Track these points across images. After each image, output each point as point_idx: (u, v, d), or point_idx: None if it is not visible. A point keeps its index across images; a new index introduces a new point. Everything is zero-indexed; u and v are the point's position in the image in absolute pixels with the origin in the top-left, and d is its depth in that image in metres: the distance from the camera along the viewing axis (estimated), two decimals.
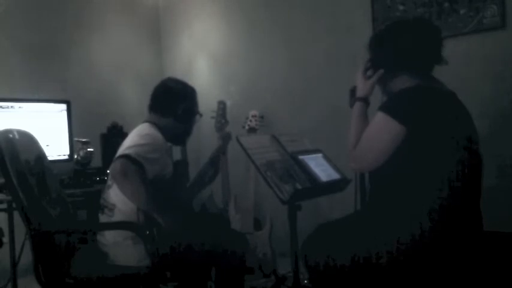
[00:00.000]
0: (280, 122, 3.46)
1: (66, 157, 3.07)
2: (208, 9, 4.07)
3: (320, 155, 2.30)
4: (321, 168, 2.16)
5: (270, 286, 2.89)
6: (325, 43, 3.39)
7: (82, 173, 2.89)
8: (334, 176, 2.19)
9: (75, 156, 2.97)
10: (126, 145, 2.00)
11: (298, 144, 2.28)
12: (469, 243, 1.64)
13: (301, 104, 3.50)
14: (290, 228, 2.08)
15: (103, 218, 2.08)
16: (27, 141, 2.02)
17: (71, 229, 2.03)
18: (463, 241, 1.63)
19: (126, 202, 1.97)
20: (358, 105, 1.86)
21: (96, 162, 3.05)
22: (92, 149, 2.99)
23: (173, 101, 2.22)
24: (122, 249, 1.97)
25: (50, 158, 2.22)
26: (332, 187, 2.22)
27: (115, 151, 2.03)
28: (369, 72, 1.86)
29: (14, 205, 2.37)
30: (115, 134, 3.11)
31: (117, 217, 2.02)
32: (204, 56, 4.13)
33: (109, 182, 2.11)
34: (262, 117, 3.35)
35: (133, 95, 3.93)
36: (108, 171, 2.07)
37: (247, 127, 3.28)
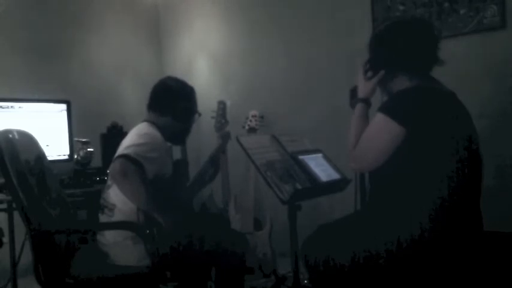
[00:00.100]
0: (280, 122, 3.46)
1: (66, 157, 3.07)
2: (208, 9, 4.07)
3: (320, 155, 2.30)
4: (321, 168, 2.16)
5: (270, 286, 2.89)
6: (325, 43, 3.39)
7: (82, 173, 2.89)
8: (334, 176, 2.19)
9: (75, 156, 2.97)
10: (125, 145, 2.00)
11: (298, 144, 2.28)
12: (469, 243, 1.64)
13: (301, 104, 3.50)
14: (290, 228, 2.08)
15: (103, 218, 2.08)
16: (27, 141, 2.02)
17: (71, 229, 2.03)
18: (463, 241, 1.63)
19: (126, 202, 1.97)
20: (359, 106, 1.86)
21: (96, 162, 3.05)
22: (92, 149, 2.99)
23: (172, 100, 2.22)
24: (122, 249, 1.97)
25: (50, 158, 2.22)
26: (332, 187, 2.22)
27: (115, 151, 2.02)
28: (369, 73, 1.86)
29: (14, 205, 2.37)
30: (115, 134, 3.10)
31: (117, 217, 2.02)
32: (204, 56, 4.13)
33: (109, 182, 2.11)
34: (262, 117, 3.35)
35: (133, 95, 3.93)
36: (108, 171, 2.07)
37: (247, 127, 3.28)
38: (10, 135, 1.90)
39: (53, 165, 2.17)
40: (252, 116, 3.29)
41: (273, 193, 1.94)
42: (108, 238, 2.01)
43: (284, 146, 2.18)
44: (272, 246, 3.02)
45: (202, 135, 3.35)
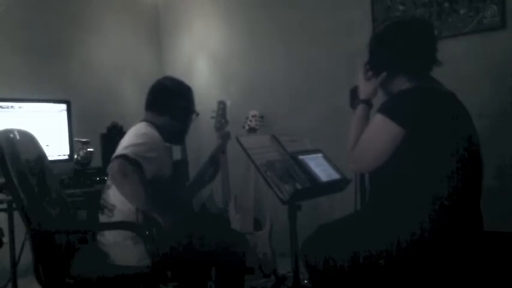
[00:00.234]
0: (280, 122, 3.46)
1: (66, 157, 3.07)
2: (208, 9, 4.07)
3: (320, 155, 2.30)
4: (321, 168, 2.16)
5: (270, 286, 2.89)
6: (325, 43, 3.39)
7: (82, 173, 2.89)
8: (334, 176, 2.19)
9: (75, 156, 2.97)
10: (124, 145, 2.00)
11: (298, 144, 2.28)
12: (469, 243, 1.64)
13: (301, 104, 3.50)
14: (290, 228, 2.08)
15: (103, 219, 2.08)
16: (28, 141, 2.02)
17: (71, 229, 2.03)
18: (463, 241, 1.63)
19: (126, 202, 1.97)
20: (360, 107, 1.86)
21: (96, 162, 3.05)
22: (92, 149, 2.99)
23: (169, 99, 2.22)
24: (122, 249, 1.97)
25: (50, 158, 2.22)
26: (332, 187, 2.22)
27: (115, 151, 2.02)
28: (369, 74, 1.85)
29: (14, 205, 2.37)
30: (115, 134, 3.10)
31: (117, 217, 2.02)
32: (204, 56, 4.13)
33: (108, 182, 2.11)
34: (262, 117, 3.35)
35: (133, 95, 3.93)
36: (107, 171, 2.07)
37: (247, 127, 3.28)
38: (11, 135, 1.90)
39: (53, 165, 2.17)
40: (252, 116, 3.29)
41: (273, 193, 1.94)
42: (108, 238, 2.01)
43: (284, 146, 2.18)
44: (272, 246, 3.02)
45: (202, 135, 3.35)
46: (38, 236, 1.81)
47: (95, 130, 3.18)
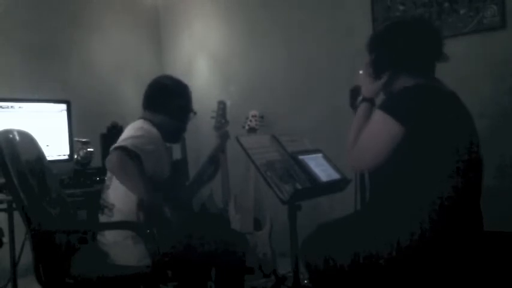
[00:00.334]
0: (280, 122, 3.46)
1: (66, 157, 3.07)
2: (208, 9, 4.07)
3: (320, 155, 2.30)
4: (321, 168, 2.16)
5: (270, 286, 2.89)
6: (325, 43, 3.39)
7: (82, 173, 2.89)
8: (334, 176, 2.19)
9: (75, 156, 2.97)
10: (122, 138, 2.00)
11: (298, 144, 2.28)
12: (469, 243, 1.64)
13: (301, 104, 3.50)
14: (290, 228, 2.09)
15: (103, 219, 2.08)
16: (28, 141, 2.02)
17: (71, 229, 2.03)
18: (463, 241, 1.63)
19: (125, 202, 1.98)
20: (363, 105, 1.85)
21: (96, 162, 3.05)
22: (92, 149, 2.99)
23: (166, 98, 2.22)
24: (122, 249, 1.97)
25: (50, 158, 2.22)
26: (332, 187, 2.22)
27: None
28: (375, 74, 1.84)
29: (14, 205, 2.37)
30: (115, 134, 3.08)
31: (116, 217, 2.02)
32: (204, 56, 4.13)
33: (107, 182, 2.11)
34: (262, 117, 3.35)
35: (133, 95, 3.92)
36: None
37: (247, 127, 3.28)
38: (10, 136, 1.90)
39: (53, 165, 2.17)
40: (252, 116, 3.29)
41: (273, 193, 1.94)
42: (108, 238, 2.01)
43: (284, 146, 2.18)
44: (272, 246, 3.02)
45: (202, 135, 3.35)
46: (38, 236, 1.81)
47: (95, 130, 3.18)
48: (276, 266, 3.00)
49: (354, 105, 2.06)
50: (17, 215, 2.00)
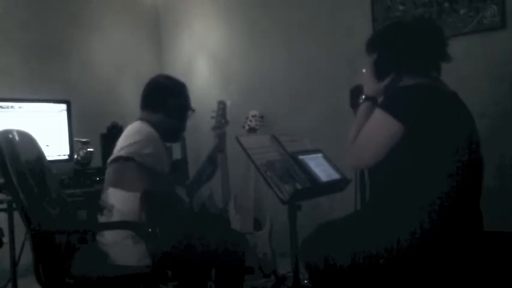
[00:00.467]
0: (280, 122, 3.46)
1: (66, 157, 3.07)
2: (208, 9, 4.07)
3: (320, 155, 2.30)
4: (321, 168, 2.16)
5: (270, 286, 2.89)
6: (325, 43, 3.39)
7: (82, 173, 2.89)
8: (334, 176, 2.19)
9: (75, 156, 2.97)
10: (118, 147, 2.04)
11: (298, 144, 2.28)
12: (469, 242, 1.64)
13: (301, 104, 3.50)
14: (290, 228, 2.09)
15: (102, 220, 2.07)
16: (27, 141, 2.02)
17: (71, 229, 2.03)
18: (463, 241, 1.63)
19: (125, 203, 1.98)
20: (366, 104, 1.85)
21: (96, 162, 3.05)
22: (92, 149, 2.99)
23: (163, 96, 2.22)
24: (121, 249, 1.97)
25: (50, 158, 2.22)
26: (332, 187, 2.22)
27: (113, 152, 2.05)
28: (374, 73, 1.84)
29: (14, 205, 2.37)
30: (115, 134, 3.09)
31: (116, 218, 2.01)
32: (204, 56, 4.13)
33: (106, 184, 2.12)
34: (262, 117, 3.35)
35: (133, 95, 3.89)
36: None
37: (247, 127, 3.28)
38: (10, 136, 1.90)
39: (53, 165, 2.17)
40: (252, 116, 3.29)
41: (273, 193, 1.94)
42: (108, 238, 2.01)
43: (284, 146, 2.18)
44: (272, 246, 3.02)
45: (202, 135, 3.35)
46: (38, 236, 1.81)
47: (95, 130, 3.18)
48: (276, 266, 3.00)
49: (354, 105, 2.06)
50: (17, 215, 2.00)
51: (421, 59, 1.76)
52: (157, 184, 2.01)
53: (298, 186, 1.99)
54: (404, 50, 1.76)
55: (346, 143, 1.79)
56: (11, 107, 2.84)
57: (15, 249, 2.63)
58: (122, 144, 2.05)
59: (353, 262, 1.63)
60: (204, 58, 4.13)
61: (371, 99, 1.86)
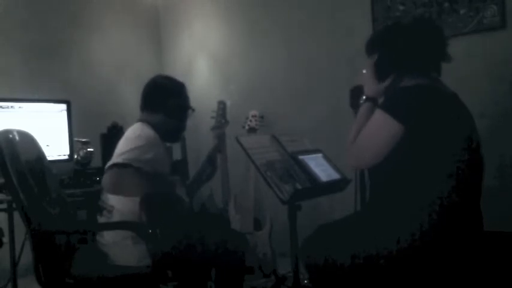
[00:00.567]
0: (280, 122, 3.46)
1: (66, 157, 3.07)
2: (208, 9, 4.07)
3: (320, 155, 2.30)
4: (321, 168, 2.16)
5: (270, 286, 2.89)
6: (325, 43, 3.39)
7: (82, 173, 2.89)
8: (334, 176, 2.19)
9: (75, 156, 2.97)
10: (117, 151, 2.06)
11: (298, 144, 2.28)
12: (469, 242, 1.64)
13: (301, 104, 3.50)
14: (290, 228, 2.08)
15: (102, 220, 2.07)
16: (27, 141, 2.02)
17: (71, 229, 2.03)
18: (463, 241, 1.63)
19: (125, 203, 1.98)
20: (366, 104, 1.85)
21: (96, 162, 3.05)
22: (92, 149, 2.99)
23: (162, 97, 2.23)
24: (121, 249, 1.97)
25: (50, 158, 2.22)
26: (332, 187, 2.22)
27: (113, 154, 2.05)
28: (375, 74, 1.83)
29: (14, 205, 2.37)
30: (115, 134, 3.10)
31: (115, 218, 2.01)
32: (204, 56, 4.13)
33: None
34: (262, 117, 3.35)
35: (133, 95, 3.89)
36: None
37: (247, 127, 3.28)
38: (10, 136, 1.90)
39: (53, 165, 2.17)
40: (252, 116, 3.29)
41: (273, 193, 1.94)
42: (107, 238, 2.01)
43: (284, 146, 2.18)
44: (272, 246, 3.02)
45: (202, 135, 3.35)
46: (38, 236, 1.81)
47: (95, 130, 3.18)
48: (276, 266, 3.00)
49: (354, 105, 2.06)
50: (17, 215, 2.00)
51: (421, 59, 1.76)
52: (157, 185, 2.02)
53: (298, 186, 1.99)
54: (404, 51, 1.76)
55: (346, 143, 1.79)
56: (11, 107, 2.84)
57: (15, 249, 2.63)
58: (122, 149, 2.06)
59: (353, 262, 1.63)
60: (204, 58, 4.13)
61: (371, 100, 1.86)
